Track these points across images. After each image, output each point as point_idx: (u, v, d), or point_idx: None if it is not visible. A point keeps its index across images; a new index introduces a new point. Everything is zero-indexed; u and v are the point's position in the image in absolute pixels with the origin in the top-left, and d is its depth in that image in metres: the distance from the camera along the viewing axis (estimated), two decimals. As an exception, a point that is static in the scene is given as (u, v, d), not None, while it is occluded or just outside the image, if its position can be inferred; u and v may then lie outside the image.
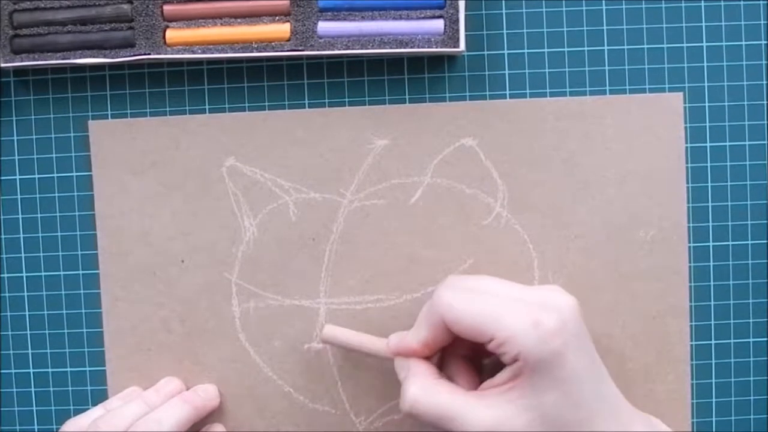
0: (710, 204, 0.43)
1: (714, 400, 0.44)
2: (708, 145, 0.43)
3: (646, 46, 0.43)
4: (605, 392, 0.36)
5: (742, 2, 0.43)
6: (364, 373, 0.44)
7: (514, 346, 0.34)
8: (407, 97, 0.44)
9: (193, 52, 0.42)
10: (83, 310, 0.44)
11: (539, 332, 0.34)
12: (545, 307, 0.35)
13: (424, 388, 0.36)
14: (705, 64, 0.43)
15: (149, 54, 0.42)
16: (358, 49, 0.42)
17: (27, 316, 0.45)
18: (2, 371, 0.45)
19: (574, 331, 0.35)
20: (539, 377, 0.34)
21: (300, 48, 0.42)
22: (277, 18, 0.42)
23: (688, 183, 0.43)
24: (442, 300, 0.36)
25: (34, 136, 0.44)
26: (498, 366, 0.37)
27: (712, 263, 0.44)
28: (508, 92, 0.43)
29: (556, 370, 0.34)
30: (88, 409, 0.42)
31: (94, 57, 0.42)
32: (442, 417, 0.36)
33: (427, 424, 0.36)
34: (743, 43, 0.43)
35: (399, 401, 0.37)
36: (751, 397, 0.44)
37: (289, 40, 0.42)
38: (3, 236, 0.45)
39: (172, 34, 0.42)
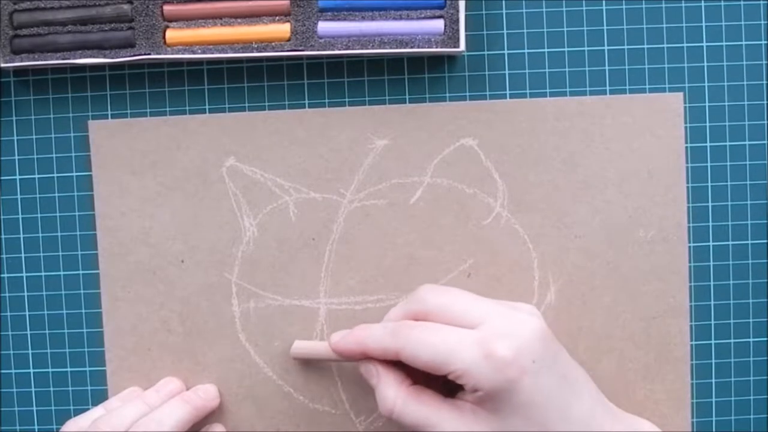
0: (710, 204, 0.43)
1: (714, 399, 0.44)
2: (708, 145, 0.43)
3: (646, 46, 0.43)
4: (576, 409, 0.37)
5: (742, 2, 0.43)
6: (364, 373, 0.44)
7: (470, 378, 0.35)
8: (407, 97, 0.44)
9: (193, 52, 0.42)
10: (83, 310, 0.44)
11: (492, 363, 0.35)
12: (501, 335, 0.36)
13: (401, 396, 0.37)
14: (705, 64, 0.43)
15: (149, 54, 0.42)
16: (358, 49, 0.42)
17: (27, 316, 0.45)
18: (2, 371, 0.45)
19: (535, 356, 0.36)
20: (499, 403, 0.36)
21: (300, 48, 0.42)
22: (277, 18, 0.42)
23: (688, 183, 0.43)
24: (400, 336, 0.37)
25: (34, 136, 0.44)
26: None
27: (712, 263, 0.44)
28: (508, 92, 0.43)
29: (514, 396, 0.35)
30: (88, 409, 0.42)
31: (94, 57, 0.42)
32: (419, 425, 0.37)
33: (407, 429, 0.37)
34: (743, 43, 0.43)
35: (378, 405, 0.38)
36: (751, 397, 0.44)
37: (289, 40, 0.42)
38: (3, 236, 0.45)
39: (172, 34, 0.42)
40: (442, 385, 0.38)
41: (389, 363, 0.38)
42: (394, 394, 0.37)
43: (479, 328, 0.36)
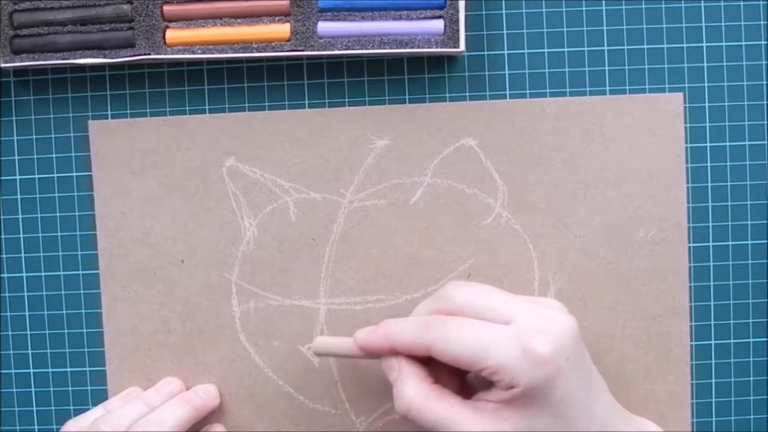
0: (710, 204, 0.43)
1: (714, 400, 0.44)
2: (708, 145, 0.43)
3: (646, 46, 0.43)
4: (597, 408, 0.37)
5: (742, 2, 0.43)
6: (364, 373, 0.44)
7: (505, 375, 0.35)
8: (407, 97, 0.44)
9: (193, 52, 0.42)
10: (83, 310, 0.44)
11: (530, 359, 0.34)
12: (537, 331, 0.35)
13: (421, 393, 0.36)
14: (705, 64, 0.43)
15: (149, 54, 0.42)
16: (358, 49, 0.42)
17: (27, 316, 0.45)
18: (2, 371, 0.45)
19: (568, 354, 0.35)
20: (532, 401, 0.35)
21: (300, 48, 0.42)
22: (277, 18, 0.42)
23: (688, 183, 0.43)
24: (432, 330, 0.36)
25: (34, 136, 0.44)
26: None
27: (712, 263, 0.44)
28: (508, 92, 0.43)
29: (548, 394, 0.35)
30: (88, 409, 0.42)
31: (94, 57, 0.42)
32: (437, 424, 0.36)
33: (422, 427, 0.36)
34: (743, 43, 0.43)
35: (393, 401, 0.37)
36: (751, 397, 0.44)
37: (289, 40, 0.42)
38: (3, 236, 0.45)
39: (172, 35, 0.42)
40: (458, 389, 0.38)
41: (412, 359, 0.37)
42: (413, 390, 0.36)
43: (513, 325, 0.36)
